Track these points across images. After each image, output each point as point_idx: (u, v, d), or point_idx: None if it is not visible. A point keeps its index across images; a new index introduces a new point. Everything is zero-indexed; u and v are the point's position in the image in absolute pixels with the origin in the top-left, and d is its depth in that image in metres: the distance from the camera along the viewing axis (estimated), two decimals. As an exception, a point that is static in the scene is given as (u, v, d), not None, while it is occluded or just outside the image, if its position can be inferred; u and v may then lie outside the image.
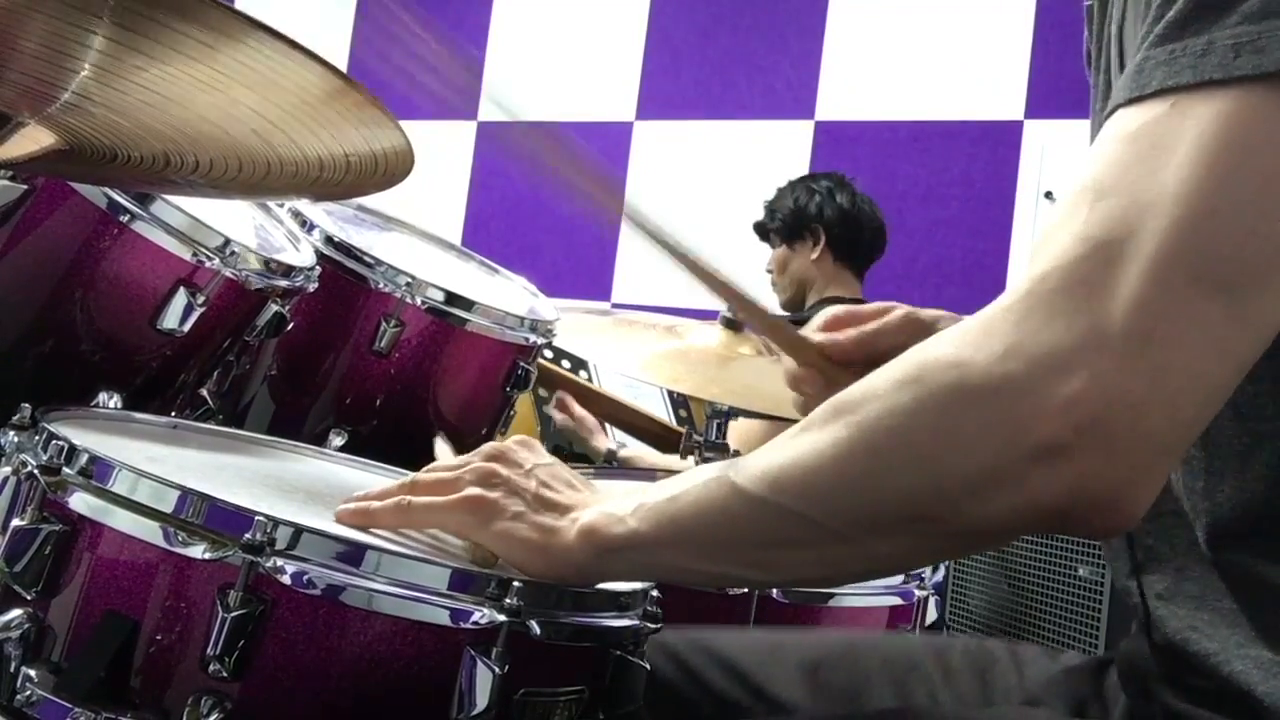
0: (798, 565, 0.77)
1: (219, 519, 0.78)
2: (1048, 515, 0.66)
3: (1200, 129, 0.63)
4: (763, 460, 0.73)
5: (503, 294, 1.74)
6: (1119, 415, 0.62)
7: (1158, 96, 0.65)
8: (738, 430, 1.98)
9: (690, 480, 0.77)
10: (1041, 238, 0.67)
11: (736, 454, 1.86)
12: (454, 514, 0.84)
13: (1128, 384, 0.62)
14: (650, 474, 1.82)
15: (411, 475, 0.89)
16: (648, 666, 0.86)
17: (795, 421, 0.76)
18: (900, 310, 1.02)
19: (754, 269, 3.09)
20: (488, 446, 0.87)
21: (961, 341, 0.67)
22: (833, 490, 0.70)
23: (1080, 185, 0.67)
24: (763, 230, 2.98)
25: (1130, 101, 0.67)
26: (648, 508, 0.77)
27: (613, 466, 2.31)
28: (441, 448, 1.17)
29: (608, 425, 2.54)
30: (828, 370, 1.00)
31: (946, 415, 0.66)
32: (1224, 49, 0.63)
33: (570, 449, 2.50)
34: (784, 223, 2.93)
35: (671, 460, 2.34)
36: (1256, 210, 0.62)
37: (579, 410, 2.42)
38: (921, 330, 0.98)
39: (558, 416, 2.43)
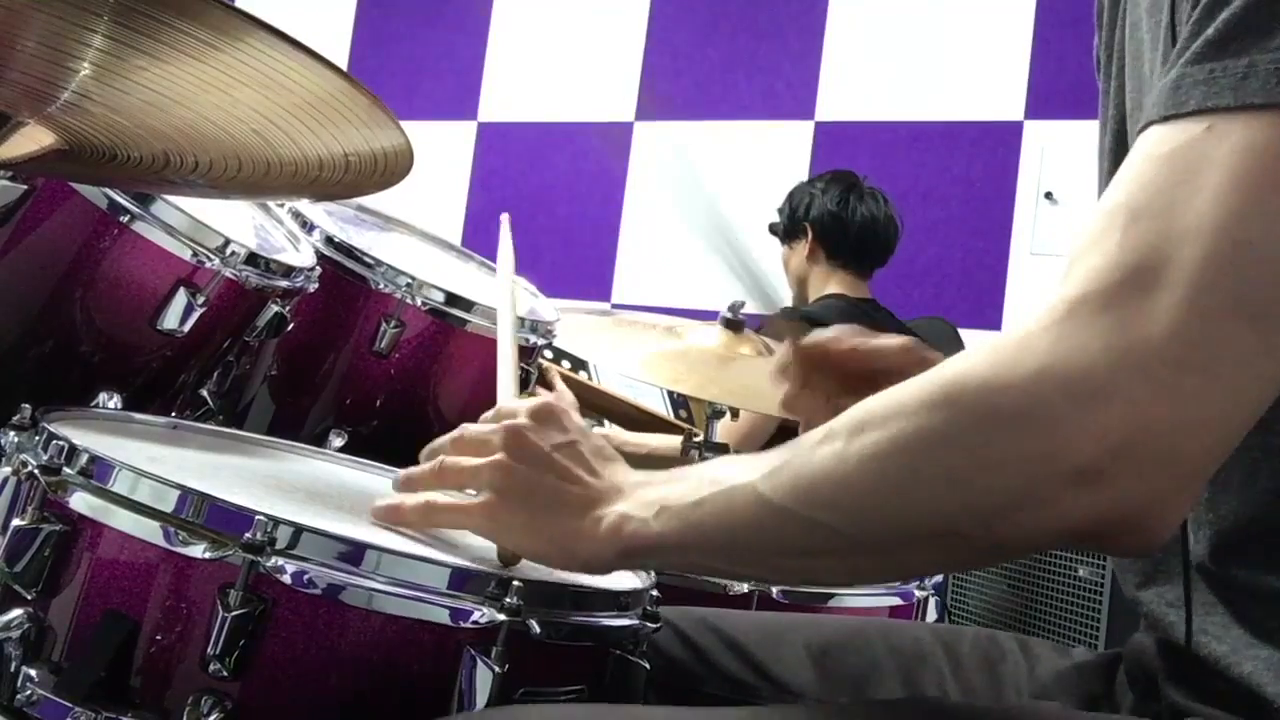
0: (822, 571, 0.79)
1: (219, 519, 0.78)
2: (1078, 535, 0.66)
3: (1238, 154, 0.62)
4: (789, 471, 0.72)
5: (503, 294, 1.73)
6: (1153, 441, 0.62)
7: (1194, 116, 0.64)
8: (725, 427, 1.98)
9: (711, 484, 0.76)
10: (1074, 254, 0.67)
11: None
12: (475, 518, 0.85)
13: (1162, 411, 0.62)
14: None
15: (440, 456, 0.88)
16: (648, 666, 0.87)
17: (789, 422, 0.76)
18: (906, 339, 1.04)
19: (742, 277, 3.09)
20: (505, 431, 0.85)
21: (995, 361, 0.66)
22: (862, 505, 0.70)
23: (1113, 204, 0.66)
24: (773, 231, 3.02)
25: (1165, 119, 0.66)
26: (672, 511, 0.77)
27: None
28: (504, 384, 1.09)
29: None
30: (817, 370, 1.02)
31: (980, 437, 0.66)
32: (1266, 73, 0.62)
33: None
34: (783, 223, 2.96)
35: (645, 438, 2.35)
36: None
37: (560, 386, 2.43)
38: (920, 363, 0.98)
39: (542, 393, 2.44)
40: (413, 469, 0.90)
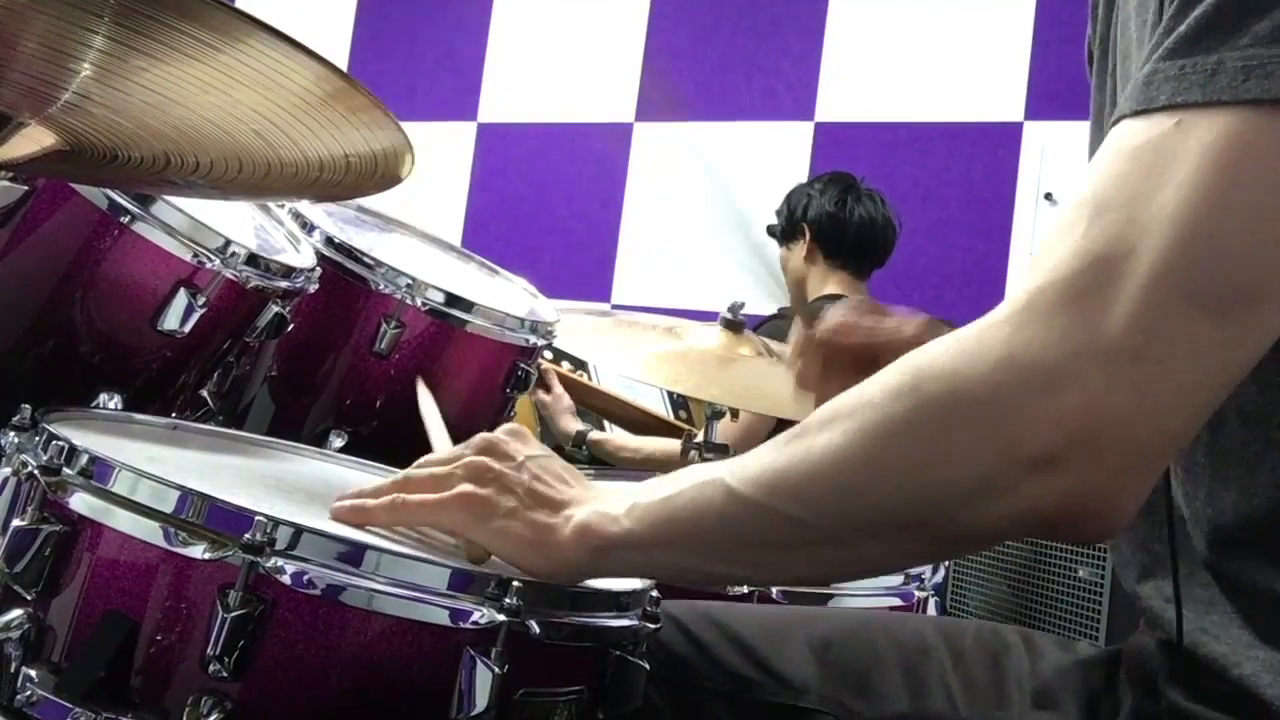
0: (790, 565, 0.79)
1: (219, 519, 0.78)
2: (1037, 522, 0.68)
3: (1203, 149, 0.64)
4: (758, 464, 0.74)
5: (503, 295, 1.74)
6: (1109, 429, 0.64)
7: (1164, 111, 0.66)
8: (725, 428, 1.99)
9: (684, 481, 0.78)
10: (1041, 248, 0.68)
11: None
12: (447, 511, 0.85)
13: (1118, 399, 0.64)
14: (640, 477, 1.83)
15: (404, 470, 0.89)
16: (647, 666, 0.87)
17: (790, 422, 0.76)
18: (921, 322, 1.03)
19: (751, 270, 3.10)
20: (479, 439, 0.87)
21: (957, 351, 0.68)
22: (827, 495, 0.72)
23: (1080, 198, 0.67)
24: (771, 233, 3.04)
25: (1135, 114, 0.67)
26: (642, 508, 0.78)
27: (580, 449, 2.33)
28: (437, 436, 1.16)
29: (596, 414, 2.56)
30: (831, 358, 1.02)
31: (941, 426, 0.67)
32: (1233, 70, 0.63)
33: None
34: (781, 224, 2.98)
35: (642, 441, 2.35)
36: (1250, 234, 0.63)
37: (558, 389, 2.43)
38: None
39: (540, 395, 2.45)
40: (378, 485, 0.89)
